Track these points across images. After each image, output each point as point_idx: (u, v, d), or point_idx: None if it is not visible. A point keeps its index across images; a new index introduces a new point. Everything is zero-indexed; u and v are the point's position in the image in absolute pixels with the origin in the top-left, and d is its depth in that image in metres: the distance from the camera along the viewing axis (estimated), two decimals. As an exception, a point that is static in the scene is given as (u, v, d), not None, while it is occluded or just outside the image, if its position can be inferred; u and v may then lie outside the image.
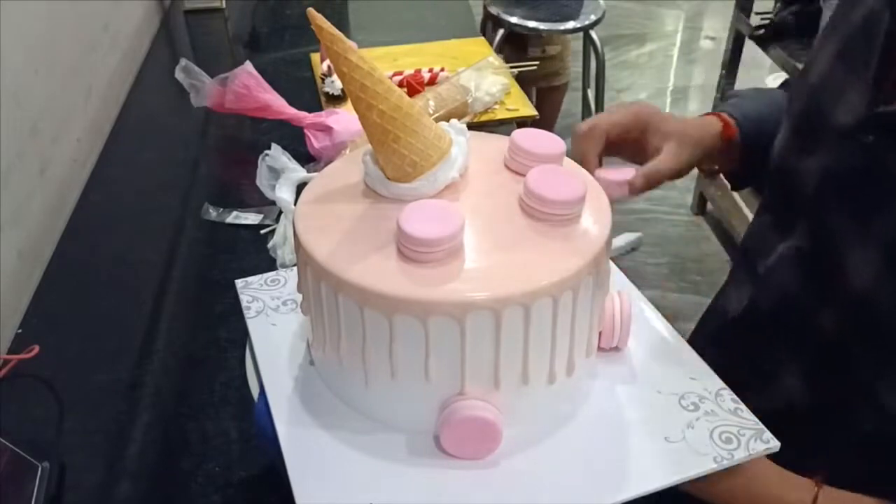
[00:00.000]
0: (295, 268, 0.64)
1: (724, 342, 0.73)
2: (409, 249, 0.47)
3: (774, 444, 0.52)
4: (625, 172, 0.66)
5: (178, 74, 1.16)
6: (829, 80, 0.63)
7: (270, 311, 0.63)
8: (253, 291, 0.65)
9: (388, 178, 0.52)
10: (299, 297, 0.58)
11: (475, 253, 0.49)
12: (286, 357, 0.58)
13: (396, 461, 0.51)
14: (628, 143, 0.69)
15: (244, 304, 0.64)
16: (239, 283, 0.66)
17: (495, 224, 0.51)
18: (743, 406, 0.55)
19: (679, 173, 0.69)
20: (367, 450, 0.51)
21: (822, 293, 0.62)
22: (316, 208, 0.54)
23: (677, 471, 0.50)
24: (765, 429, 0.53)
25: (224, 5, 1.66)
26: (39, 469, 0.65)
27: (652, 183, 0.67)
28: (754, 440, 0.52)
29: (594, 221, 0.52)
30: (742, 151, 0.73)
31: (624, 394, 0.56)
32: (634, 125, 0.69)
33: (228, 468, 0.68)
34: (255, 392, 0.57)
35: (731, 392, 0.56)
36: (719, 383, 0.56)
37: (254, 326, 0.61)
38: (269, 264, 0.90)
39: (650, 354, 0.59)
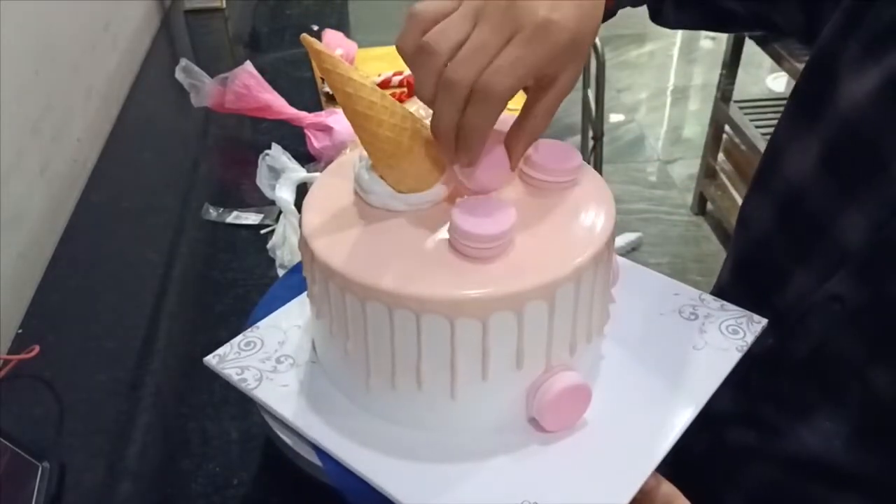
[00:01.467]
0: (260, 324, 0.63)
1: (745, 381, 0.63)
2: (476, 248, 0.48)
3: (763, 321, 0.60)
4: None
5: (179, 74, 1.16)
6: (872, 117, 0.55)
7: (270, 374, 0.58)
8: (234, 363, 0.59)
9: (400, 192, 0.52)
10: (289, 350, 0.59)
11: (522, 236, 0.50)
12: (324, 411, 0.55)
13: (496, 455, 0.51)
14: None
15: (234, 378, 0.58)
16: (211, 360, 0.60)
17: (518, 205, 0.52)
18: (724, 301, 0.62)
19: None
20: (469, 456, 0.51)
21: (877, 351, 0.56)
22: (336, 235, 0.52)
23: (720, 369, 0.56)
24: (751, 313, 0.60)
25: (224, 5, 1.66)
26: (39, 469, 0.65)
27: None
28: (750, 324, 0.60)
29: (594, 184, 0.56)
30: None
31: (637, 326, 0.60)
32: None
33: (228, 468, 0.68)
34: (308, 456, 0.54)
35: (708, 294, 0.62)
36: (695, 290, 0.63)
37: (264, 394, 0.56)
38: (268, 264, 0.90)
39: (628, 287, 0.62)
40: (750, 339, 0.58)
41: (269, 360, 0.59)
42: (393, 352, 0.50)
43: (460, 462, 0.51)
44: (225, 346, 0.61)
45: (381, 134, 0.50)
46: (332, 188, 0.57)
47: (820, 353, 0.60)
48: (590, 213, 0.53)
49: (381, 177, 0.52)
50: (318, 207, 0.55)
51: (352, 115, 0.50)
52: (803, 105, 0.63)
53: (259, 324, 0.63)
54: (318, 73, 1.32)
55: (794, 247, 0.62)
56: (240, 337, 0.62)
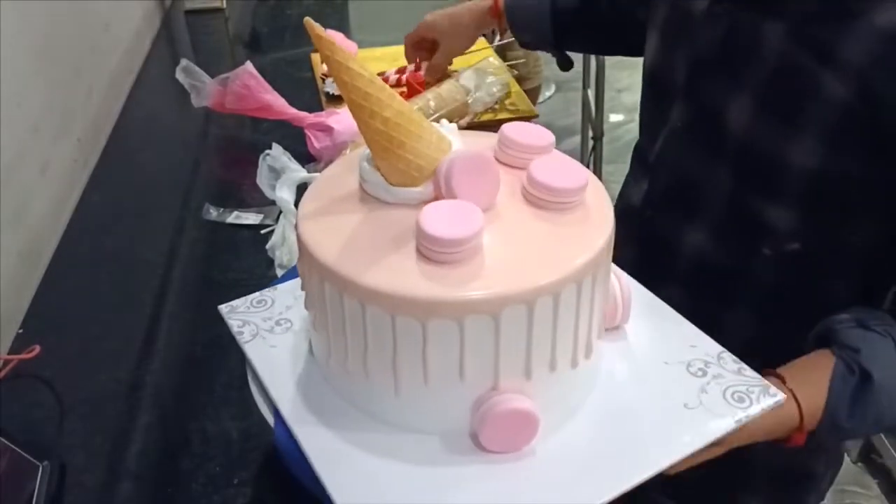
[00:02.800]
0: (279, 286, 0.64)
1: (634, 233, 0.80)
2: (433, 251, 0.48)
3: (780, 397, 0.55)
4: None
5: (179, 75, 1.16)
6: None
7: (265, 333, 0.61)
8: (241, 315, 0.63)
9: (392, 185, 0.52)
10: (292, 316, 0.59)
11: (496, 248, 0.49)
12: (295, 378, 0.57)
13: (436, 464, 0.51)
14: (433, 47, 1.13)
15: (235, 329, 0.61)
16: (223, 308, 0.64)
17: (505, 218, 0.52)
18: (745, 365, 0.57)
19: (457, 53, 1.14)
20: (404, 458, 0.51)
21: (710, 152, 0.72)
22: (323, 221, 0.53)
23: (702, 434, 0.53)
24: (769, 384, 0.56)
25: (224, 5, 1.66)
26: (40, 469, 0.65)
27: (435, 73, 1.14)
28: (763, 395, 0.55)
29: (598, 204, 0.54)
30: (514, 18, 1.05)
31: (635, 368, 0.58)
32: (427, 34, 1.12)
33: (229, 468, 0.68)
34: (268, 418, 0.56)
35: (731, 354, 0.59)
36: (718, 347, 0.59)
37: (252, 350, 0.59)
38: (268, 264, 0.90)
39: (647, 329, 0.60)
40: (755, 410, 0.54)
41: (270, 321, 0.62)
42: (345, 337, 0.51)
43: (396, 460, 0.51)
44: (240, 299, 0.64)
45: (372, 125, 0.50)
46: (339, 177, 0.57)
47: (676, 179, 0.76)
48: (575, 240, 0.51)
49: (377, 167, 0.53)
50: (317, 193, 0.56)
51: (349, 103, 0.50)
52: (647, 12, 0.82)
53: (278, 286, 0.65)
54: (318, 74, 1.32)
55: (652, 115, 0.80)
56: (256, 294, 0.65)
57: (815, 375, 0.63)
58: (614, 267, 0.60)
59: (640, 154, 0.85)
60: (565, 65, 1.09)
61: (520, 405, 0.49)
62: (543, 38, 1.05)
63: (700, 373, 0.57)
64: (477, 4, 1.09)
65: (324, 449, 0.51)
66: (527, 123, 0.58)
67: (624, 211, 0.82)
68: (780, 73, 0.65)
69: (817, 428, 0.63)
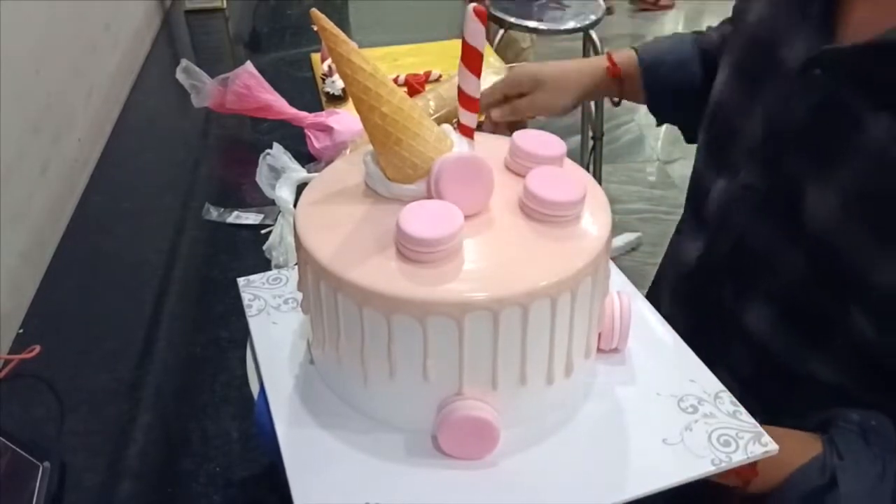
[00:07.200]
0: (297, 267, 0.66)
1: (686, 295, 0.76)
2: (407, 249, 0.48)
3: (773, 447, 0.52)
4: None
5: (179, 75, 1.16)
6: (769, 22, 0.67)
7: (272, 309, 0.63)
8: (254, 290, 0.65)
9: (389, 179, 0.52)
10: (300, 296, 0.58)
11: (474, 253, 0.49)
12: (287, 356, 0.59)
13: (395, 461, 0.51)
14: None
15: (245, 302, 0.64)
16: (241, 281, 0.66)
17: (495, 225, 0.51)
18: (742, 409, 0.54)
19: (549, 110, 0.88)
20: (365, 449, 0.51)
21: (785, 230, 0.64)
22: (316, 208, 0.54)
23: (674, 473, 0.50)
24: (763, 431, 0.53)
25: (225, 5, 1.66)
26: (40, 469, 0.65)
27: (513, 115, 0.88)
28: (752, 443, 0.52)
29: (594, 222, 0.52)
30: (644, 84, 0.89)
31: (623, 395, 0.56)
32: (526, 82, 0.87)
33: (229, 468, 0.69)
34: (255, 390, 0.58)
35: (731, 395, 0.55)
36: (719, 385, 0.56)
37: (255, 325, 0.62)
38: (268, 264, 0.90)
39: (650, 355, 0.59)
40: (739, 457, 0.51)
41: (279, 298, 0.64)
42: (322, 322, 0.52)
43: (358, 449, 0.51)
44: (258, 274, 0.67)
45: (371, 119, 0.50)
46: (346, 170, 0.57)
47: (740, 247, 0.69)
48: (559, 254, 0.49)
49: (377, 160, 0.53)
50: (323, 181, 0.56)
51: (350, 95, 0.51)
52: (726, 44, 0.75)
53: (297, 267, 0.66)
54: (318, 74, 1.32)
55: (713, 157, 0.74)
56: (274, 271, 0.67)
57: (794, 447, 0.59)
58: (620, 287, 0.60)
59: (695, 202, 0.76)
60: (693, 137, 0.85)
61: (479, 414, 0.49)
62: (685, 104, 0.87)
63: (691, 409, 0.54)
64: (588, 63, 0.91)
65: (293, 426, 0.53)
66: (540, 132, 0.57)
67: (676, 267, 0.77)
68: (877, 174, 0.55)
69: (758, 492, 0.58)
